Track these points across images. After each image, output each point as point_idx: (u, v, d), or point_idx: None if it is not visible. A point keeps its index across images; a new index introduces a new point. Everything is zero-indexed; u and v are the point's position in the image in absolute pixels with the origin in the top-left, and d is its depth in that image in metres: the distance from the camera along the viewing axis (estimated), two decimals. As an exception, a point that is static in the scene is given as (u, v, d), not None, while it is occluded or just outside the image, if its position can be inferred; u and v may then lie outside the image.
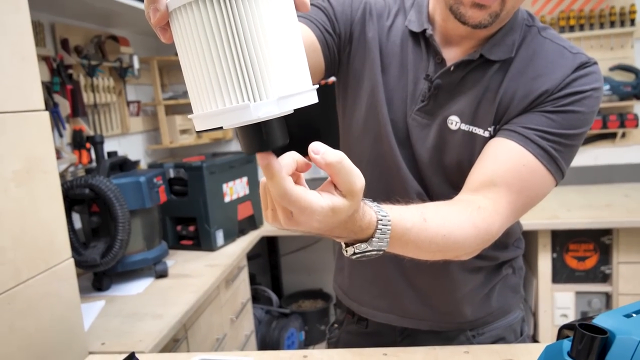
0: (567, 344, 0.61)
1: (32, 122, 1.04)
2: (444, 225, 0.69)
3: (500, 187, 0.77)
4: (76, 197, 1.48)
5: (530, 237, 2.17)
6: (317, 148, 0.51)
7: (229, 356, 0.67)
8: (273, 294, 2.81)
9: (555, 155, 0.78)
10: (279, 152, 0.50)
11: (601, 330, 0.58)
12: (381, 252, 0.61)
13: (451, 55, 0.84)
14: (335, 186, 0.53)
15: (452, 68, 0.83)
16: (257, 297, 2.88)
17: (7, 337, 0.94)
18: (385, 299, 0.99)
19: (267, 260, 3.04)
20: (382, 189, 0.92)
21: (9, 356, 0.94)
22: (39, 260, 1.03)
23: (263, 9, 0.42)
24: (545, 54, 0.82)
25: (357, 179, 0.53)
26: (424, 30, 0.84)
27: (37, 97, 1.06)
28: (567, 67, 0.80)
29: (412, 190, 0.89)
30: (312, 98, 0.46)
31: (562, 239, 2.12)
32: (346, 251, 0.61)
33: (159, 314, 1.39)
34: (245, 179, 2.19)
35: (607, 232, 2.08)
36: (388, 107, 0.87)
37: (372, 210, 0.60)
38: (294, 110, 0.45)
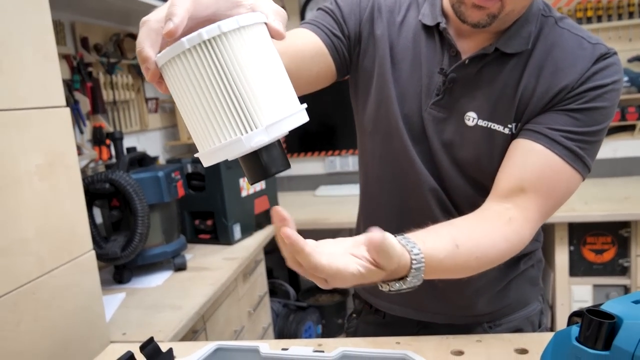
0: (575, 330, 0.61)
1: (54, 118, 1.07)
2: (478, 248, 0.71)
3: (529, 194, 0.77)
4: (97, 191, 1.52)
5: (547, 230, 2.16)
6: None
7: (245, 343, 0.69)
8: (290, 287, 2.84)
9: (581, 154, 0.78)
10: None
11: (609, 316, 0.59)
12: (416, 287, 0.64)
13: (466, 48, 0.84)
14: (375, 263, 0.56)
15: (467, 61, 0.82)
16: (274, 291, 2.91)
17: (32, 326, 0.97)
18: (402, 294, 1.00)
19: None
20: (395, 185, 0.92)
21: (34, 344, 0.98)
22: (62, 251, 1.07)
23: (240, 49, 0.45)
24: (564, 46, 0.80)
25: (396, 257, 0.57)
26: (438, 24, 0.84)
27: (59, 94, 1.09)
28: (586, 60, 0.78)
29: (426, 185, 0.89)
30: (301, 119, 0.49)
31: (580, 232, 2.10)
32: (381, 286, 0.64)
33: (178, 306, 1.42)
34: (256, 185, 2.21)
35: (625, 224, 2.06)
36: (401, 102, 0.87)
37: (405, 251, 0.62)
38: (307, 113, 0.48)
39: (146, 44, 0.46)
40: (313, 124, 3.31)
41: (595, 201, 2.14)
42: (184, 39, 0.44)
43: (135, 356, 0.62)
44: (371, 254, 0.56)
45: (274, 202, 2.33)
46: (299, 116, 0.49)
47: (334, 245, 0.59)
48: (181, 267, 1.72)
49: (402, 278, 0.62)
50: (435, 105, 0.85)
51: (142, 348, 0.62)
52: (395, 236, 0.63)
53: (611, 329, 0.58)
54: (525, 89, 0.80)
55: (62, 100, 1.10)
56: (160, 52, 0.47)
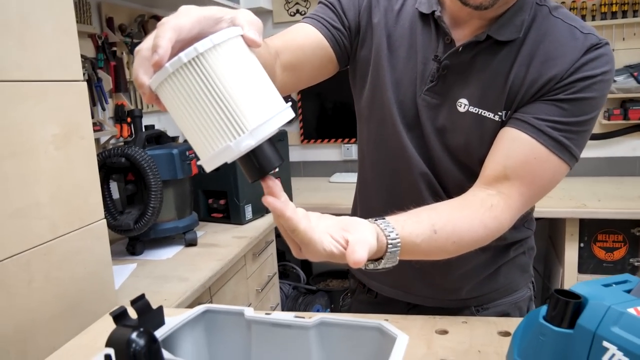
0: (544, 309, 0.64)
1: (71, 91, 1.13)
2: (455, 233, 0.74)
3: (512, 181, 0.79)
4: (113, 165, 1.58)
5: (557, 225, 2.15)
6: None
7: (232, 307, 0.74)
8: (301, 271, 2.89)
9: (568, 144, 0.79)
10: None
11: (576, 296, 0.61)
12: (390, 268, 0.68)
13: (460, 36, 0.86)
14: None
15: (460, 49, 0.84)
16: (286, 274, 2.96)
17: (43, 285, 1.04)
18: (391, 275, 1.03)
19: (297, 238, 3.11)
20: (387, 170, 0.95)
21: (44, 303, 1.04)
22: (74, 217, 1.13)
23: (217, 64, 0.50)
24: (556, 35, 0.81)
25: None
26: (433, 12, 0.86)
27: (77, 68, 1.15)
28: (577, 50, 0.79)
29: (417, 170, 0.91)
30: (285, 117, 0.53)
31: (591, 229, 2.09)
32: None
33: (185, 277, 1.48)
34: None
35: (638, 223, 2.04)
36: (397, 89, 0.90)
37: (383, 235, 0.65)
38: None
39: (140, 72, 0.51)
40: (330, 111, 3.32)
41: (608, 198, 2.13)
42: (167, 64, 0.49)
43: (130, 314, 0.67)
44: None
45: (287, 185, 2.37)
46: (283, 115, 0.53)
47: (318, 220, 0.62)
48: (192, 243, 1.78)
49: (378, 259, 0.66)
50: (429, 91, 0.87)
51: (133, 302, 0.66)
52: (376, 219, 0.67)
53: (577, 308, 0.60)
54: (515, 77, 0.82)
55: (80, 75, 1.16)
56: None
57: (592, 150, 2.58)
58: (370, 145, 0.97)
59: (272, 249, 2.26)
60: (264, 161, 0.53)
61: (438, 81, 0.86)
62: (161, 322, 0.71)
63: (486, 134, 0.84)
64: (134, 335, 0.55)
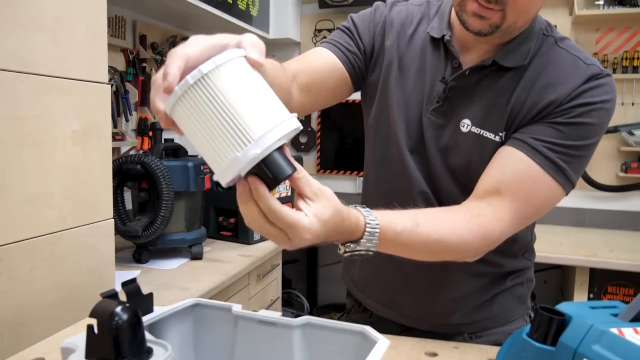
0: (529, 327, 0.63)
1: (95, 91, 1.18)
2: (437, 230, 0.74)
3: (504, 196, 0.79)
4: (129, 171, 1.62)
5: (568, 274, 2.11)
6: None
7: (221, 302, 0.75)
8: (306, 301, 2.87)
9: (563, 167, 0.80)
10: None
11: (561, 314, 0.61)
12: (371, 253, 0.68)
13: (468, 60, 0.88)
14: (304, 198, 0.60)
15: (467, 72, 0.86)
16: (290, 302, 2.94)
17: (45, 273, 1.06)
18: (387, 295, 1.03)
19: (305, 267, 3.10)
20: (388, 188, 0.97)
21: (44, 291, 1.06)
22: (83, 212, 1.16)
23: (222, 83, 0.54)
24: (559, 63, 0.83)
25: (314, 184, 0.60)
26: (443, 36, 0.89)
27: (103, 71, 1.21)
28: (578, 78, 0.81)
29: (416, 188, 0.92)
30: (290, 125, 0.56)
31: (602, 280, 2.04)
32: (339, 249, 0.69)
33: (185, 287, 1.49)
34: (287, 182, 2.28)
35: (650, 278, 1.99)
36: (404, 108, 0.92)
37: (360, 214, 0.67)
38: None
39: (156, 99, 0.56)
40: (349, 145, 3.35)
41: (621, 250, 2.09)
42: (176, 88, 0.54)
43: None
44: (296, 186, 0.59)
45: (298, 211, 2.38)
46: (288, 123, 0.56)
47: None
48: (197, 256, 1.80)
49: (357, 240, 0.66)
50: (434, 111, 0.90)
51: (124, 285, 0.68)
52: (356, 206, 0.68)
53: (560, 326, 0.60)
54: (517, 100, 0.83)
55: (105, 78, 1.21)
56: None
57: (607, 203, 2.55)
58: (375, 162, 0.99)
59: (278, 274, 2.26)
60: (275, 170, 0.55)
61: (444, 102, 0.89)
62: (150, 309, 0.73)
63: (486, 154, 0.85)
64: (118, 308, 0.57)
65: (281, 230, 0.58)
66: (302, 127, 0.58)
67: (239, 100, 0.54)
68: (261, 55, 0.58)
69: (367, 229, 0.66)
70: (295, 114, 0.58)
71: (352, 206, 0.68)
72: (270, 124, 0.54)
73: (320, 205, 0.59)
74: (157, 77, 0.56)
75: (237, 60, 0.56)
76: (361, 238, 0.66)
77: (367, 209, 0.68)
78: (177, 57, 0.54)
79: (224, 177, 0.55)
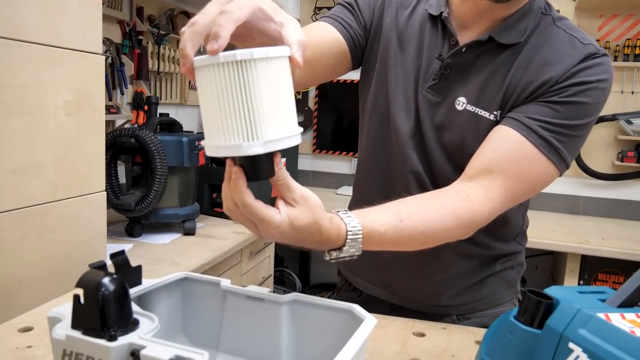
0: (516, 310, 0.63)
1: (88, 62, 1.16)
2: (422, 222, 0.74)
3: (496, 174, 0.79)
4: (122, 145, 1.61)
5: (559, 260, 2.13)
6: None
7: (210, 277, 0.75)
8: (298, 280, 2.88)
9: (558, 146, 0.79)
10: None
11: (549, 298, 0.61)
12: (355, 257, 0.69)
13: (465, 38, 0.87)
14: (285, 201, 0.61)
15: (463, 49, 0.86)
16: (282, 280, 2.96)
17: (35, 244, 1.06)
18: (376, 273, 1.03)
19: (298, 247, 3.11)
20: (382, 166, 0.97)
21: (34, 262, 1.06)
22: (75, 184, 1.15)
23: (263, 75, 0.55)
24: (556, 42, 0.83)
25: (298, 190, 0.61)
26: (441, 13, 0.88)
27: (97, 42, 1.18)
28: (574, 57, 0.80)
29: (408, 167, 0.92)
30: (294, 141, 0.58)
31: (592, 267, 2.06)
32: (325, 256, 0.69)
33: (176, 262, 1.49)
34: (283, 160, 2.27)
35: (640, 267, 2.00)
36: (400, 85, 0.92)
37: (342, 222, 0.67)
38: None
39: (188, 45, 0.54)
40: (346, 126, 3.34)
41: (613, 238, 2.10)
42: (220, 54, 0.53)
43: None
44: (279, 187, 0.61)
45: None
46: (294, 139, 0.58)
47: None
48: (190, 232, 1.79)
49: (340, 248, 0.67)
50: (430, 89, 0.89)
51: (113, 256, 0.67)
52: (338, 211, 0.69)
53: (548, 310, 0.60)
54: (512, 79, 0.83)
55: (99, 49, 1.19)
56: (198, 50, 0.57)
57: (602, 191, 2.56)
58: (370, 140, 0.98)
59: (270, 252, 2.27)
60: (257, 170, 0.58)
61: (440, 79, 0.88)
62: (138, 281, 0.73)
63: (481, 132, 0.85)
64: (105, 279, 0.56)
65: (251, 220, 0.60)
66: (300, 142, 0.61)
67: (268, 98, 0.56)
68: (303, 54, 0.58)
69: (349, 237, 0.66)
70: (301, 129, 0.60)
71: (334, 212, 0.68)
72: (282, 133, 0.57)
73: (297, 211, 0.61)
74: (197, 23, 0.54)
75: (284, 59, 0.58)
76: (344, 245, 0.66)
77: (349, 213, 0.69)
78: (230, 21, 0.52)
79: (215, 152, 0.57)
